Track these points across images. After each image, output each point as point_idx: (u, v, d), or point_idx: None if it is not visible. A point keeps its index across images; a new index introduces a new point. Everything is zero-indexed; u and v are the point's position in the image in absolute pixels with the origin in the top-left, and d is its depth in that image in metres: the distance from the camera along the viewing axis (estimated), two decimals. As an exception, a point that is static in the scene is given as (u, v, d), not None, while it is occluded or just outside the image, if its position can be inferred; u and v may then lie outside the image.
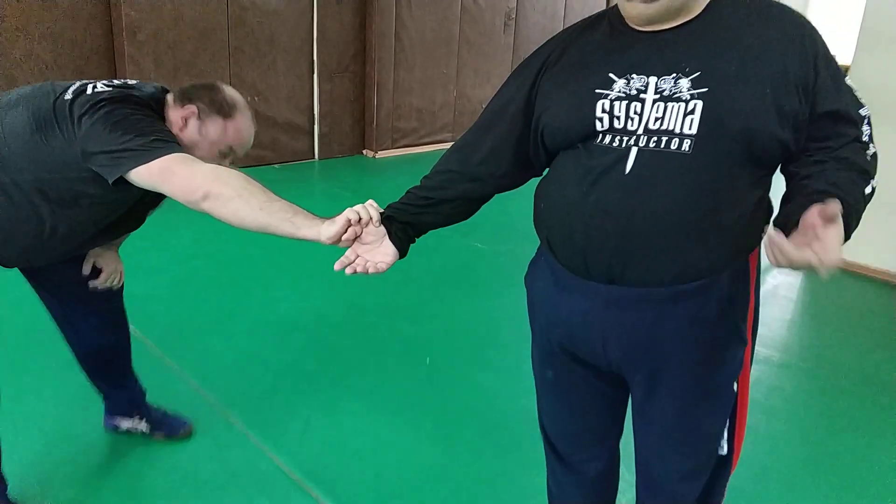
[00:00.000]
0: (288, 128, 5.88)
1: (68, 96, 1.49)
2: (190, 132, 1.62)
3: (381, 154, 6.41)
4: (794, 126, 1.10)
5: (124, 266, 1.97)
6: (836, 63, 1.14)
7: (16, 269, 1.74)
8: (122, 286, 1.98)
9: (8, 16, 4.39)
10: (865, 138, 1.14)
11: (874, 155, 1.15)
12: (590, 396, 1.39)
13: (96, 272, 1.89)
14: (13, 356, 2.59)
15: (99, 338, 1.96)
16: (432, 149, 6.78)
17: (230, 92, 1.69)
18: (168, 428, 2.18)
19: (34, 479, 1.97)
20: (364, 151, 6.47)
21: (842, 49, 9.10)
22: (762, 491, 2.10)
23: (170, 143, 1.45)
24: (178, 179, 1.39)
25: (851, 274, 3.71)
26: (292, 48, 5.71)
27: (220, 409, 2.36)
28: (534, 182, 1.38)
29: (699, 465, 1.30)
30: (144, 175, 1.40)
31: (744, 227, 1.14)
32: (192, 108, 1.62)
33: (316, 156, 6.18)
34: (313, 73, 5.91)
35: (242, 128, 1.69)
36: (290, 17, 5.61)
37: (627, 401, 1.39)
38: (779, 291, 3.54)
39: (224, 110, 1.65)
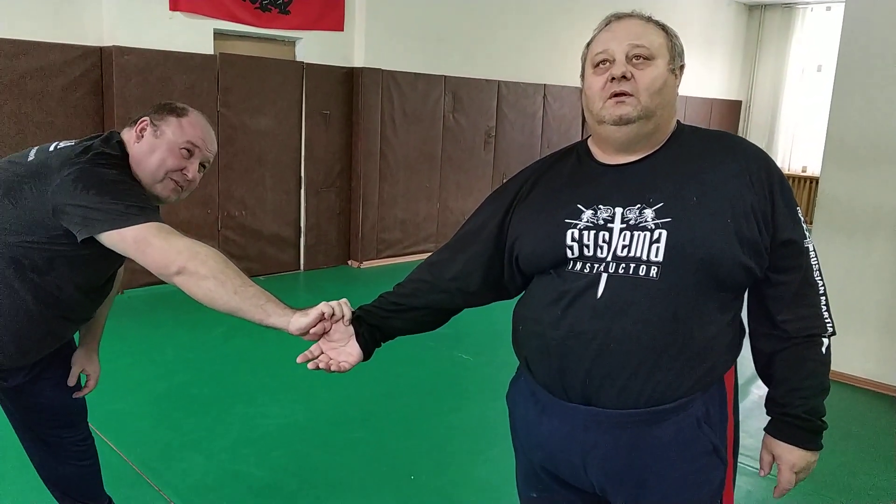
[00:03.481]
0: (274, 240, 5.99)
1: (32, 157, 1.50)
2: (146, 140, 1.60)
3: (365, 264, 6.50)
4: (755, 252, 1.17)
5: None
6: (790, 193, 1.24)
7: None
8: (87, 412, 1.96)
9: (3, 134, 4.54)
10: (816, 275, 1.24)
11: (824, 294, 1.25)
12: (574, 520, 1.38)
13: (68, 400, 1.86)
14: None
15: (68, 465, 1.93)
16: (416, 258, 6.84)
17: (182, 104, 1.70)
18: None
19: None
20: (349, 262, 6.56)
21: (812, 159, 9.54)
22: None
23: (146, 209, 1.43)
24: (153, 251, 1.38)
25: (839, 384, 3.76)
26: (280, 165, 5.91)
27: (199, 533, 2.29)
28: (495, 302, 1.43)
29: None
30: (116, 240, 1.38)
31: (715, 349, 1.19)
32: (144, 118, 1.63)
33: (301, 267, 6.25)
34: (300, 188, 6.09)
35: (197, 121, 1.66)
36: (279, 136, 5.84)
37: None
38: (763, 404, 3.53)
39: (177, 111, 1.64)
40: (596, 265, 1.19)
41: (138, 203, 1.44)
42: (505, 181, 1.43)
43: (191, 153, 1.64)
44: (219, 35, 5.37)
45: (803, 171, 9.97)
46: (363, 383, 3.45)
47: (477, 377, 3.91)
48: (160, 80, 5.03)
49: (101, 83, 4.93)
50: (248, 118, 5.59)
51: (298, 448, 2.93)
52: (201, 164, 1.68)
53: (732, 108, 10.63)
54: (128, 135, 1.64)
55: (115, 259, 1.65)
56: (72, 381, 1.85)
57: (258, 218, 5.83)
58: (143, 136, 1.62)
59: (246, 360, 3.89)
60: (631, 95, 1.18)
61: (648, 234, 1.16)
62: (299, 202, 6.12)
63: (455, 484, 2.70)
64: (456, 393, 3.66)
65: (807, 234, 1.24)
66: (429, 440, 3.07)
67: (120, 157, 1.59)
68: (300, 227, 6.17)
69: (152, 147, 1.60)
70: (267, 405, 3.34)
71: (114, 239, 1.39)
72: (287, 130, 5.89)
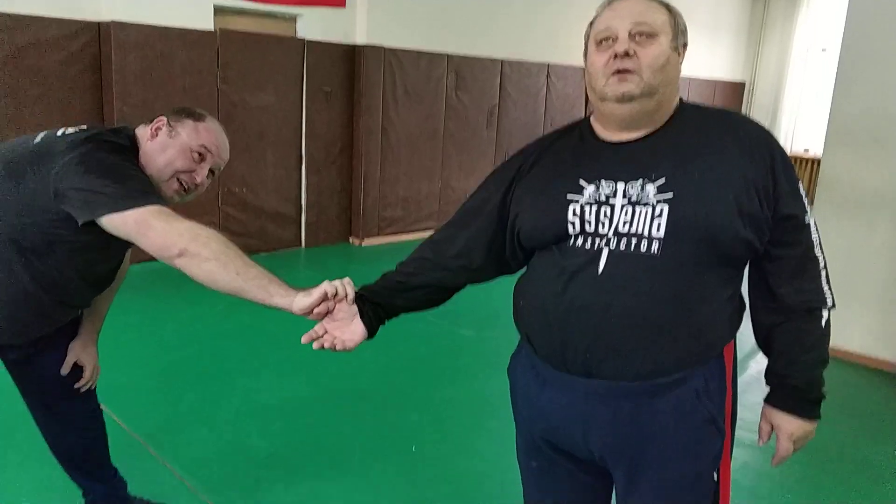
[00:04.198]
0: (275, 217, 5.99)
1: (38, 140, 1.50)
2: (160, 139, 1.61)
3: (367, 242, 6.51)
4: (756, 227, 1.18)
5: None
6: (792, 169, 1.25)
7: None
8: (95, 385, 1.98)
9: (0, 109, 4.53)
10: (817, 249, 1.25)
11: (825, 268, 1.26)
12: (574, 489, 1.41)
13: (76, 373, 1.87)
14: (-8, 450, 2.56)
15: (75, 435, 1.95)
16: (417, 236, 6.88)
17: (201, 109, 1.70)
18: (150, 519, 2.14)
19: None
20: (350, 239, 6.57)
21: (815, 142, 9.51)
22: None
23: (147, 193, 1.43)
24: (154, 234, 1.37)
25: (837, 360, 3.80)
26: (281, 142, 5.90)
27: (204, 499, 2.33)
28: (498, 278, 1.45)
29: (684, 555, 1.32)
30: (118, 223, 1.38)
31: (716, 323, 1.21)
32: (162, 118, 1.63)
33: (303, 244, 6.27)
34: (301, 164, 6.08)
35: (214, 129, 1.66)
36: (280, 112, 5.82)
37: (612, 491, 1.41)
38: (762, 377, 3.56)
39: (195, 115, 1.65)
40: (597, 241, 1.20)
41: (140, 187, 1.44)
42: (508, 158, 1.43)
43: (202, 157, 1.64)
44: (219, 10, 5.33)
45: (805, 152, 9.94)
46: (364, 358, 3.47)
47: (476, 352, 3.94)
48: (159, 56, 5.01)
49: (100, 58, 4.90)
50: (248, 95, 5.57)
51: (301, 420, 2.96)
52: (211, 171, 1.68)
53: (736, 90, 10.57)
54: (142, 131, 1.65)
55: (117, 248, 1.66)
56: (65, 371, 1.84)
57: (259, 195, 5.83)
58: (157, 135, 1.62)
59: (247, 335, 3.91)
60: (633, 72, 1.18)
61: (650, 209, 1.17)
62: (300, 179, 6.12)
63: (455, 454, 2.73)
64: (456, 367, 3.70)
65: (808, 208, 1.25)
66: (429, 413, 3.11)
67: (128, 147, 1.59)
68: (301, 204, 6.18)
69: (164, 146, 1.61)
70: (269, 379, 3.37)
71: (115, 222, 1.39)
72: (288, 107, 5.87)
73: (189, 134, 1.62)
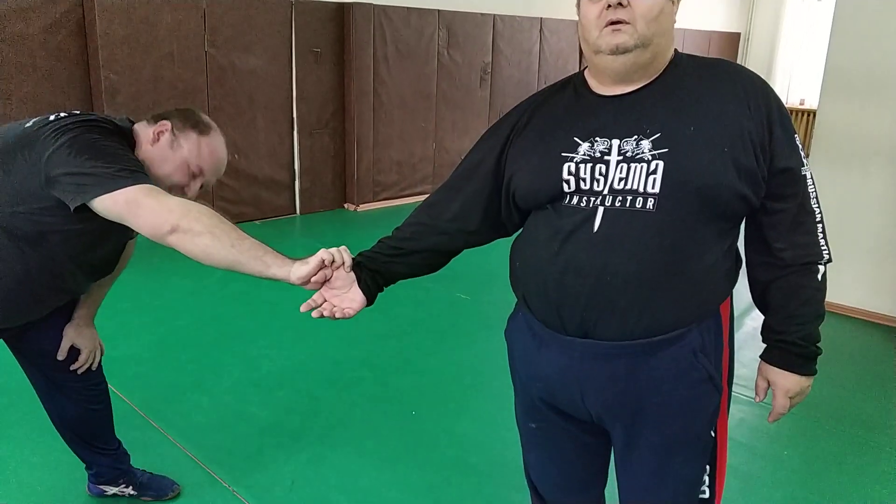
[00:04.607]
0: (269, 184, 5.94)
1: (29, 125, 1.47)
2: (161, 146, 1.59)
3: (362, 207, 6.48)
4: (752, 181, 1.16)
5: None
6: (789, 121, 1.22)
7: None
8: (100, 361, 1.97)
9: (-11, 81, 4.45)
10: (814, 203, 1.23)
11: (821, 222, 1.24)
12: (573, 448, 1.41)
13: (73, 354, 1.85)
14: (-7, 423, 2.56)
15: (78, 408, 1.95)
16: (413, 201, 6.85)
17: (206, 117, 1.67)
18: (155, 490, 2.16)
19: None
20: (345, 205, 6.53)
21: (810, 92, 9.42)
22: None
23: (137, 172, 1.41)
24: (144, 212, 1.35)
25: (831, 313, 3.81)
26: (272, 106, 5.81)
27: (207, 468, 2.34)
28: (495, 240, 1.43)
29: (682, 511, 1.33)
30: (109, 205, 1.36)
31: (712, 280, 1.20)
32: (166, 123, 1.60)
33: (297, 211, 6.23)
34: (293, 129, 6.01)
35: (217, 148, 1.65)
36: (270, 75, 5.73)
37: (611, 450, 1.42)
38: (758, 334, 3.58)
39: (200, 127, 1.63)
40: (592, 199, 1.18)
41: (129, 166, 1.41)
42: (501, 117, 1.40)
43: (196, 177, 1.63)
44: (203, -29, 5.20)
45: (801, 103, 9.87)
46: (361, 324, 3.47)
47: (473, 316, 3.95)
48: (145, 21, 4.90)
49: (84, 24, 4.79)
50: (236, 58, 5.47)
51: (300, 387, 2.98)
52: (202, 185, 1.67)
53: (731, 41, 10.43)
54: (143, 130, 1.61)
55: (115, 238, 1.64)
56: (61, 356, 1.83)
57: (252, 161, 5.77)
58: (159, 140, 1.59)
59: (244, 304, 3.91)
60: (628, 23, 1.15)
61: (645, 165, 1.15)
62: (293, 144, 6.05)
63: (455, 416, 2.75)
64: (453, 331, 3.71)
65: (804, 161, 1.23)
66: (428, 376, 3.12)
67: (123, 134, 1.56)
68: (294, 171, 6.12)
69: (164, 157, 1.59)
70: (267, 347, 3.38)
71: (106, 204, 1.36)
72: (277, 70, 5.77)
73: (191, 150, 1.60)
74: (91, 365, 1.90)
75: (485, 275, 4.17)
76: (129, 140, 1.58)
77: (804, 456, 2.57)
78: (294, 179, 6.14)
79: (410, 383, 3.05)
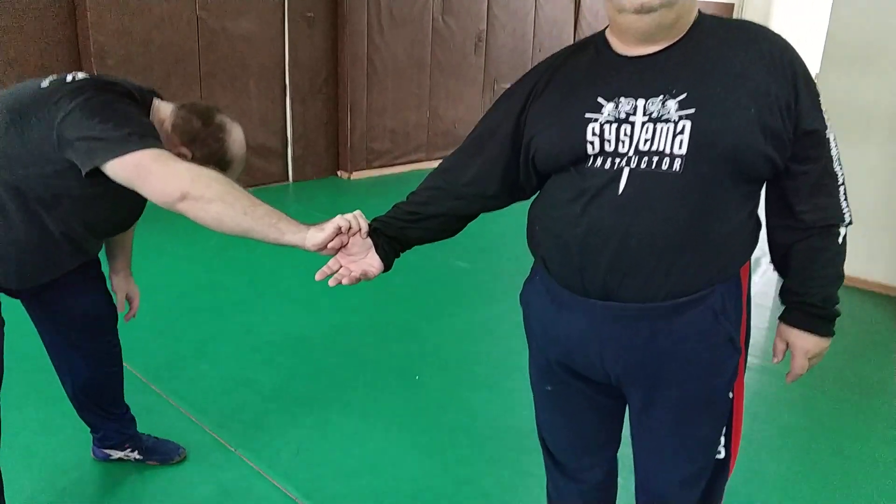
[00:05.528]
0: (261, 151, 5.87)
1: (45, 84, 1.44)
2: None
3: (355, 175, 6.43)
4: (778, 142, 1.15)
5: None
6: (813, 83, 1.21)
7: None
8: (116, 319, 1.97)
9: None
10: (836, 165, 1.23)
11: (842, 184, 1.24)
12: (588, 409, 1.42)
13: (101, 310, 1.91)
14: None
15: (92, 369, 1.94)
16: (406, 169, 6.82)
17: (234, 139, 1.64)
18: (161, 455, 2.16)
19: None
20: (338, 173, 6.49)
21: (808, 61, 9.43)
22: (754, 492, 2.15)
23: (147, 136, 1.37)
24: (153, 178, 1.32)
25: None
26: (264, 72, 5.73)
27: (213, 433, 2.35)
28: (512, 204, 1.42)
29: (698, 471, 1.34)
30: (118, 169, 1.33)
31: (735, 242, 1.20)
32: (187, 151, 1.57)
33: (290, 178, 6.17)
34: (286, 96, 5.93)
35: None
36: (262, 41, 5.63)
37: (625, 411, 1.43)
38: (756, 300, 3.61)
39: (222, 163, 1.61)
40: (617, 160, 1.16)
41: (140, 131, 1.38)
42: (519, 78, 1.37)
43: None
44: (193, -68, 5.07)
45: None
46: (362, 292, 3.46)
47: (474, 283, 3.95)
48: (134, -18, 4.79)
49: (72, -15, 4.68)
50: (228, 22, 5.37)
51: (303, 354, 2.98)
52: None
53: (723, 12, 10.35)
54: (163, 108, 1.61)
55: (127, 205, 1.62)
56: (121, 308, 1.96)
57: (244, 127, 5.57)
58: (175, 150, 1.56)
59: (241, 271, 3.89)
60: None
61: (672, 125, 1.13)
62: (285, 111, 5.98)
63: (458, 381, 2.77)
64: (454, 299, 3.72)
65: (827, 123, 1.22)
66: (430, 342, 3.14)
67: (141, 102, 1.53)
68: (287, 138, 6.05)
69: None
70: (267, 313, 3.37)
71: (116, 169, 1.33)
72: (270, 35, 5.67)
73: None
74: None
75: (483, 243, 4.17)
76: (146, 107, 1.56)
77: (804, 420, 2.61)
78: (287, 147, 6.08)
79: (412, 349, 3.06)
